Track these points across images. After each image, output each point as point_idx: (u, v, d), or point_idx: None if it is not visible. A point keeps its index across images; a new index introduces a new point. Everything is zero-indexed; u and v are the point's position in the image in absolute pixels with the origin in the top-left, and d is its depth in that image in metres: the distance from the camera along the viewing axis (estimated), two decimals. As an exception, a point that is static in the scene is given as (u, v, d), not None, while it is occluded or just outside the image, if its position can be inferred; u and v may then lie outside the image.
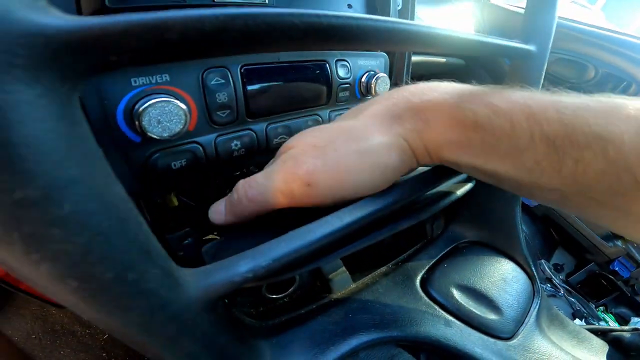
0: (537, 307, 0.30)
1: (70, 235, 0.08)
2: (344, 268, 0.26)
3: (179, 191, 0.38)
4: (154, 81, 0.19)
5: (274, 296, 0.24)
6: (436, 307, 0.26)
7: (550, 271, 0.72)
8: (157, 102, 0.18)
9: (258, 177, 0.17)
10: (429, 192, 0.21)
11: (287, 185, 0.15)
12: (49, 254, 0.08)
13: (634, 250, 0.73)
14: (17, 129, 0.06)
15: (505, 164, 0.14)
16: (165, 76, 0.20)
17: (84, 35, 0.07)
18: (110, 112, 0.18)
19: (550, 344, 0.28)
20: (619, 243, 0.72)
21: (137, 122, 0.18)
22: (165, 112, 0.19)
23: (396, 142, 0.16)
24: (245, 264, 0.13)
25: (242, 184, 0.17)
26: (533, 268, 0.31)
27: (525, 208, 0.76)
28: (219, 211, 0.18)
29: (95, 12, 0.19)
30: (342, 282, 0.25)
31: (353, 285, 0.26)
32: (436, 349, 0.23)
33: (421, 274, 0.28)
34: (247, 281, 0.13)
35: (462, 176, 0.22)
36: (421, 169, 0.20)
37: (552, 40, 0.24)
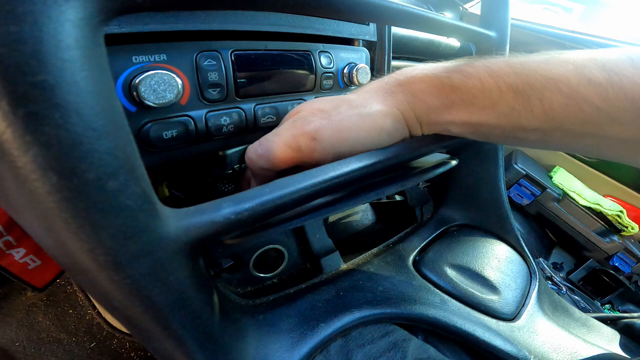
0: (537, 288, 0.29)
1: (68, 121, 0.09)
2: (333, 247, 0.25)
3: (170, 183, 0.38)
4: (152, 59, 0.21)
5: (262, 275, 0.23)
6: (431, 286, 0.25)
7: (550, 269, 0.71)
8: (154, 72, 0.20)
9: (268, 135, 0.18)
10: (414, 165, 0.22)
11: (295, 139, 0.17)
12: (42, 138, 0.08)
13: (631, 245, 0.72)
14: (57, 34, 0.09)
15: (487, 113, 0.17)
16: (163, 56, 0.22)
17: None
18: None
19: (558, 327, 0.27)
20: (616, 238, 0.72)
21: (134, 92, 0.20)
22: (161, 82, 0.20)
23: (391, 111, 0.19)
24: (229, 206, 0.12)
25: (252, 145, 0.19)
26: (527, 250, 0.31)
27: (518, 207, 0.76)
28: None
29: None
30: (332, 262, 0.25)
31: (344, 266, 0.25)
32: (434, 328, 0.23)
33: (413, 254, 0.27)
34: (229, 224, 0.12)
35: (444, 156, 0.23)
36: None
37: (509, 27, 0.26)
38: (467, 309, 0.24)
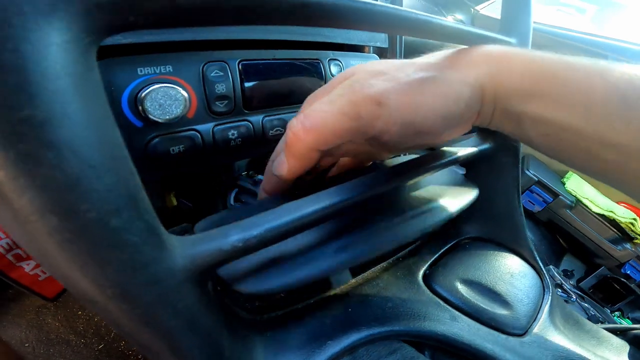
0: (549, 302, 0.28)
1: (63, 161, 0.08)
2: (342, 261, 0.25)
3: (178, 192, 0.38)
4: (158, 71, 0.21)
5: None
6: (440, 301, 0.24)
7: (560, 277, 0.70)
8: (160, 86, 0.20)
9: (315, 106, 0.15)
10: (438, 201, 0.21)
11: (354, 107, 0.14)
12: (37, 181, 0.08)
13: (645, 254, 0.70)
14: (41, 61, 0.08)
15: (577, 114, 0.14)
16: (169, 67, 0.21)
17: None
18: (116, 98, 0.19)
19: (568, 341, 0.26)
20: (628, 246, 0.70)
21: (140, 107, 0.19)
22: (167, 96, 0.20)
23: (470, 80, 0.16)
24: (236, 233, 0.12)
25: (296, 118, 0.16)
26: (540, 263, 0.30)
27: (529, 214, 0.74)
28: (280, 162, 0.17)
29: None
30: (341, 277, 0.24)
31: (352, 281, 0.25)
32: (442, 345, 0.22)
33: (423, 269, 0.27)
34: (237, 251, 0.12)
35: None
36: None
37: (531, 34, 0.25)
38: (477, 325, 0.24)
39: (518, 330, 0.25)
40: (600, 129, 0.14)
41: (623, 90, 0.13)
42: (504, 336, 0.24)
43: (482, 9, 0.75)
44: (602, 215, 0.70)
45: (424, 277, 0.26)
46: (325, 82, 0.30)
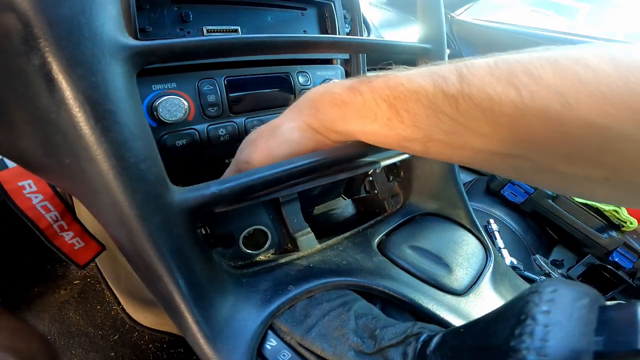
0: (491, 269, 0.33)
1: (121, 131, 0.16)
2: (309, 229, 0.30)
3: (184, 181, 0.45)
4: (166, 87, 0.30)
5: (250, 251, 0.29)
6: (390, 263, 0.29)
7: (548, 266, 0.72)
8: (168, 97, 0.29)
9: (240, 155, 0.26)
10: (371, 159, 0.27)
11: (236, 163, 0.25)
12: (109, 139, 0.16)
13: (632, 241, 0.72)
14: (112, 80, 0.16)
15: (373, 125, 0.19)
16: (173, 84, 0.30)
17: (142, 49, 0.17)
18: None
19: (501, 298, 0.30)
20: (614, 234, 0.72)
21: (155, 112, 0.28)
22: (173, 105, 0.29)
23: (298, 125, 0.23)
24: (214, 185, 0.19)
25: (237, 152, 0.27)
26: (483, 234, 0.35)
27: (512, 205, 0.77)
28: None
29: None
30: (307, 242, 0.30)
31: (318, 246, 0.30)
32: (388, 297, 0.27)
33: (378, 237, 0.32)
34: (215, 198, 0.19)
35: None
36: None
37: (445, 39, 0.32)
38: (420, 283, 0.29)
39: (457, 291, 0.29)
40: (394, 131, 0.19)
41: (387, 98, 0.18)
42: (441, 293, 0.28)
43: (459, 15, 0.81)
44: (586, 205, 0.73)
45: (379, 244, 0.31)
46: (294, 90, 0.37)
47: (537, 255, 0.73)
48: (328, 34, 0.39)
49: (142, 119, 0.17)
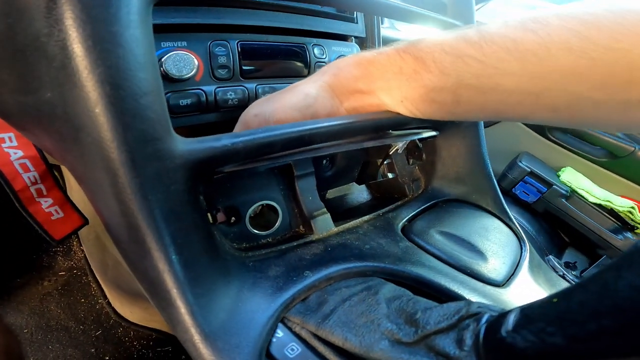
0: (527, 260, 0.29)
1: (124, 56, 0.13)
2: (325, 209, 0.26)
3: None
4: (176, 45, 0.27)
5: (257, 232, 0.25)
6: (417, 248, 0.26)
7: (562, 268, 0.69)
8: (177, 52, 0.25)
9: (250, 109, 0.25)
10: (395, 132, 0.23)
11: (243, 117, 0.24)
12: (107, 62, 0.13)
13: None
14: (126, 4, 0.13)
15: (398, 79, 0.20)
16: (184, 42, 0.27)
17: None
18: None
19: (543, 290, 0.27)
20: (630, 235, 0.69)
21: (161, 68, 0.24)
22: (182, 60, 0.25)
23: (319, 84, 0.22)
24: (226, 138, 0.15)
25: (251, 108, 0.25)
26: (516, 224, 0.31)
27: (524, 205, 0.74)
28: None
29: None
30: (324, 224, 0.26)
31: (334, 229, 0.26)
32: (419, 285, 0.23)
33: (402, 222, 0.28)
34: (226, 152, 0.15)
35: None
36: None
37: (474, 17, 0.30)
38: (455, 272, 0.25)
39: (496, 282, 0.26)
40: (421, 83, 0.19)
41: (412, 52, 0.19)
42: (481, 284, 0.25)
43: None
44: (599, 205, 0.70)
45: (402, 228, 0.28)
46: (309, 62, 0.34)
47: (551, 257, 0.70)
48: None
49: (152, 50, 0.14)
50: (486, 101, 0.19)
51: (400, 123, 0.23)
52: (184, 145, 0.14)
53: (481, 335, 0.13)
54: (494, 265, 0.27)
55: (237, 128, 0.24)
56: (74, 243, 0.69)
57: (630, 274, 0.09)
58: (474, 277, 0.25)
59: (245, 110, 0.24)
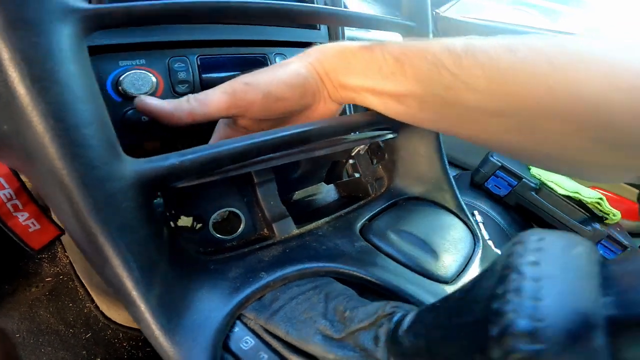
0: (479, 255, 0.32)
1: (62, 92, 0.14)
2: (286, 213, 0.28)
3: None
4: (134, 63, 0.28)
5: (221, 237, 0.27)
6: (372, 248, 0.28)
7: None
8: (135, 71, 0.26)
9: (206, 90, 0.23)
10: (351, 137, 0.25)
11: (230, 85, 0.22)
12: (47, 99, 0.14)
13: (616, 233, 0.73)
14: (58, 40, 0.14)
15: (376, 78, 0.21)
16: (142, 60, 0.28)
17: (94, 13, 0.16)
18: (103, 81, 0.26)
19: None
20: (598, 226, 0.73)
21: (120, 87, 0.26)
22: (140, 78, 0.27)
23: (304, 64, 0.23)
24: (173, 157, 0.17)
25: (178, 101, 0.22)
26: (471, 220, 0.33)
27: (496, 198, 0.77)
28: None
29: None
30: (285, 227, 0.28)
31: (296, 231, 0.28)
32: (368, 284, 0.25)
33: (361, 222, 0.30)
34: (174, 170, 0.16)
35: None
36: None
37: (430, 18, 0.31)
38: (405, 270, 0.27)
39: (445, 278, 0.28)
40: (392, 86, 0.20)
41: (394, 53, 0.20)
42: (428, 281, 0.27)
43: (444, 12, 0.81)
44: (568, 197, 0.74)
45: (361, 229, 0.30)
46: None
47: (523, 247, 0.73)
48: None
49: (91, 82, 0.16)
50: (445, 115, 0.19)
51: (359, 125, 0.25)
52: (133, 166, 0.16)
53: (389, 334, 0.15)
54: (445, 263, 0.29)
55: (223, 93, 0.22)
56: (59, 250, 0.70)
57: (478, 290, 0.10)
58: (424, 275, 0.27)
59: (235, 79, 0.23)
